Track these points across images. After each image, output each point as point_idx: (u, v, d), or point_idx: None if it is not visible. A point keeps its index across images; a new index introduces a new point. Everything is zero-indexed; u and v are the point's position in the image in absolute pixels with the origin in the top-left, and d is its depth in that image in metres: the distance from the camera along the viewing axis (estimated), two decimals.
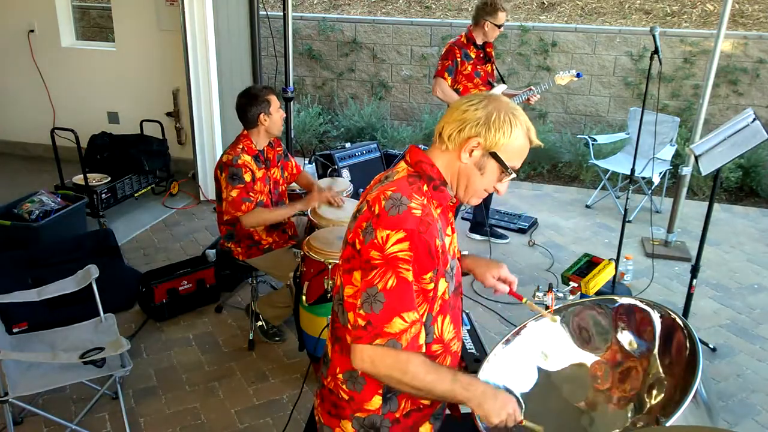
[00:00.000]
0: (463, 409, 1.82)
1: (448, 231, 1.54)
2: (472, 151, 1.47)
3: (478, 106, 1.46)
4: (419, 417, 1.58)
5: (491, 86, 4.36)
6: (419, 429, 1.61)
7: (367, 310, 1.39)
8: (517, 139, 1.47)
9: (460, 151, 1.47)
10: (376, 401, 1.53)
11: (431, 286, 1.46)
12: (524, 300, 1.87)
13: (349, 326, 1.47)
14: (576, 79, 4.26)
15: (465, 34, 4.25)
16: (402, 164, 1.55)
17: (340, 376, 1.56)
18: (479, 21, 4.17)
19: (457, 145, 1.47)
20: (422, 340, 1.45)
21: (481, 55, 4.27)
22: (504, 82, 4.50)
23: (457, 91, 4.23)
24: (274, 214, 3.18)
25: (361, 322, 1.39)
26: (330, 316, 1.65)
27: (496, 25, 4.14)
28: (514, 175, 1.52)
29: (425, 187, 1.48)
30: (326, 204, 3.38)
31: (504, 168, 1.49)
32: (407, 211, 1.40)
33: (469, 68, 4.21)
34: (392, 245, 1.37)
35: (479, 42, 4.24)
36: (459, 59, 4.16)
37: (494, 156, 1.47)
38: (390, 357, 1.39)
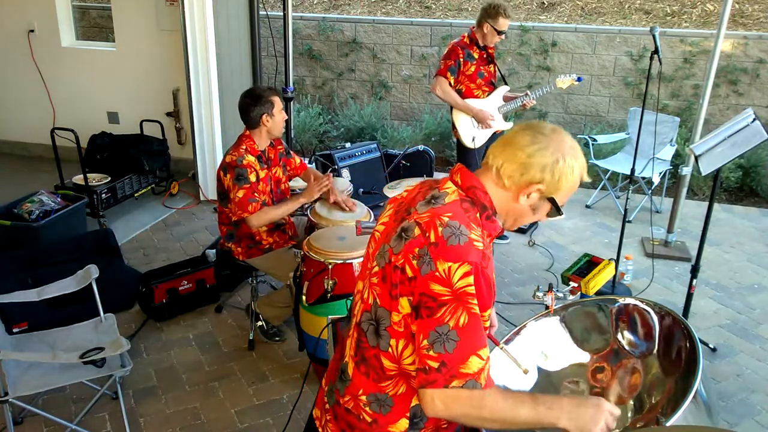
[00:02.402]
0: None
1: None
2: (530, 194, 1.42)
3: (546, 152, 1.39)
4: None
5: (494, 87, 4.36)
6: None
7: (439, 350, 1.28)
8: (574, 182, 1.43)
9: (519, 194, 1.42)
10: (402, 424, 1.46)
11: (489, 323, 1.39)
12: (500, 346, 1.82)
13: (390, 351, 1.39)
14: (576, 83, 4.26)
15: (468, 34, 4.24)
16: (450, 185, 1.45)
17: (363, 397, 1.46)
18: (480, 22, 4.17)
19: (516, 187, 1.41)
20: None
21: (484, 56, 4.27)
22: (506, 84, 4.50)
23: (459, 91, 4.23)
24: (279, 210, 3.18)
25: (434, 364, 1.28)
26: (346, 329, 1.55)
27: (495, 30, 4.12)
28: (563, 216, 1.48)
29: (478, 215, 1.41)
30: (335, 207, 3.37)
31: (557, 209, 1.46)
32: (469, 242, 1.32)
33: (473, 68, 4.20)
34: (459, 279, 1.28)
35: (481, 43, 4.23)
36: (462, 59, 4.16)
37: (551, 200, 1.44)
38: (463, 396, 1.29)
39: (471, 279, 1.29)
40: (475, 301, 1.30)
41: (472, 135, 4.29)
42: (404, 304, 1.35)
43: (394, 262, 1.36)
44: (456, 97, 4.20)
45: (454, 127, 4.33)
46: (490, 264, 1.37)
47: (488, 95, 4.31)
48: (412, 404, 1.45)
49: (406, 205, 1.47)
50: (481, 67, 4.24)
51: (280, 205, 3.22)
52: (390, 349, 1.39)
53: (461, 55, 4.16)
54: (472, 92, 4.25)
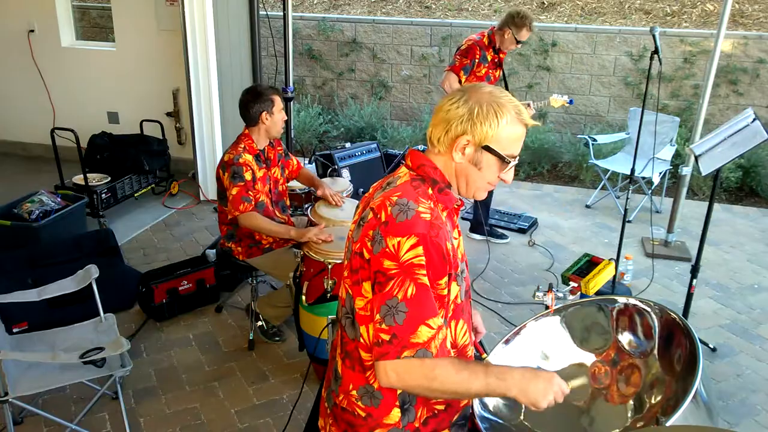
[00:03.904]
0: None
1: (455, 234, 1.51)
2: (464, 148, 1.42)
3: (459, 103, 1.41)
4: (436, 423, 1.52)
5: None
6: None
7: (389, 322, 1.31)
8: (507, 126, 1.40)
9: (452, 152, 1.43)
10: (395, 414, 1.46)
11: (446, 291, 1.41)
12: (484, 356, 1.83)
13: (362, 340, 1.41)
14: (567, 105, 4.29)
15: (488, 35, 4.20)
16: (403, 169, 1.50)
17: (354, 392, 1.48)
18: (503, 27, 4.14)
19: (447, 146, 1.43)
20: (449, 344, 1.39)
21: (496, 60, 4.27)
22: (506, 89, 4.48)
23: None
24: (268, 226, 3.10)
25: (385, 337, 1.32)
26: (336, 329, 1.56)
27: (515, 39, 4.11)
28: (515, 162, 1.46)
29: (430, 191, 1.44)
30: (323, 203, 3.38)
31: (501, 159, 1.43)
32: (416, 215, 1.35)
33: (484, 71, 4.20)
34: (406, 252, 1.32)
35: (497, 46, 4.22)
36: (477, 60, 4.14)
37: (487, 149, 1.42)
38: (415, 366, 1.32)
39: (420, 250, 1.32)
40: (424, 272, 1.33)
41: None
42: (367, 288, 1.38)
43: (354, 249, 1.41)
44: None
45: None
46: (442, 233, 1.37)
47: None
48: (399, 391, 1.46)
49: (369, 199, 1.51)
50: (490, 71, 4.24)
51: (274, 223, 3.14)
52: (361, 339, 1.41)
53: (477, 56, 4.13)
54: None
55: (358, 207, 1.60)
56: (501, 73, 4.39)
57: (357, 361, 1.46)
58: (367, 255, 1.37)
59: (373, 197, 1.48)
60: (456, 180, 1.49)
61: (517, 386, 1.35)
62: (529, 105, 4.29)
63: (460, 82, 4.17)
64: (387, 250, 1.33)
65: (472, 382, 1.34)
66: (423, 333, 1.32)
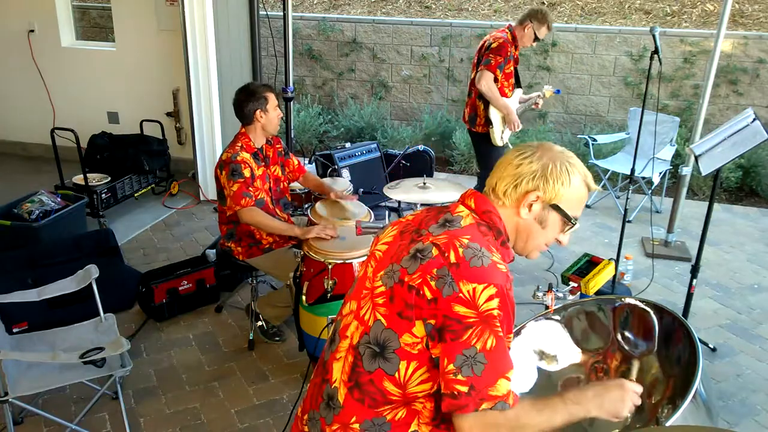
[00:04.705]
0: None
1: None
2: (531, 205, 1.40)
3: (532, 159, 1.39)
4: None
5: (513, 88, 4.40)
6: None
7: (467, 373, 1.26)
8: (576, 188, 1.40)
9: (519, 207, 1.40)
10: None
11: (511, 345, 1.38)
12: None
13: (396, 375, 1.34)
14: (554, 94, 4.47)
15: (510, 32, 4.23)
16: (463, 208, 1.43)
17: (356, 425, 1.39)
18: (524, 22, 4.18)
19: (513, 200, 1.40)
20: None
21: (515, 56, 4.31)
22: (520, 86, 4.50)
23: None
24: (271, 223, 3.10)
25: (463, 389, 1.26)
26: (335, 352, 1.48)
27: (535, 34, 4.17)
28: (578, 226, 1.44)
29: (494, 239, 1.40)
30: (336, 206, 3.35)
31: (567, 219, 1.42)
32: (492, 264, 1.30)
33: (511, 67, 4.23)
34: (485, 301, 1.26)
35: (518, 43, 4.27)
36: (508, 56, 4.16)
37: (555, 208, 1.40)
38: (499, 418, 1.27)
39: (497, 302, 1.28)
40: (500, 324, 1.28)
41: (501, 134, 4.30)
42: (419, 326, 1.31)
43: (408, 281, 1.33)
44: (498, 94, 4.17)
45: (485, 123, 4.27)
46: (512, 287, 1.35)
47: (512, 95, 4.34)
48: (411, 429, 1.39)
49: (414, 226, 1.44)
50: (513, 68, 4.27)
51: (275, 220, 3.15)
52: (397, 374, 1.34)
53: (508, 53, 4.15)
54: (504, 91, 4.24)
55: (388, 226, 1.53)
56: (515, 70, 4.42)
57: (371, 395, 1.38)
58: (430, 294, 1.29)
59: (426, 228, 1.41)
60: (515, 236, 1.45)
61: (595, 405, 1.36)
62: (539, 95, 4.40)
63: (495, 79, 4.15)
64: (461, 295, 1.27)
65: (554, 417, 1.33)
66: (502, 386, 1.27)
